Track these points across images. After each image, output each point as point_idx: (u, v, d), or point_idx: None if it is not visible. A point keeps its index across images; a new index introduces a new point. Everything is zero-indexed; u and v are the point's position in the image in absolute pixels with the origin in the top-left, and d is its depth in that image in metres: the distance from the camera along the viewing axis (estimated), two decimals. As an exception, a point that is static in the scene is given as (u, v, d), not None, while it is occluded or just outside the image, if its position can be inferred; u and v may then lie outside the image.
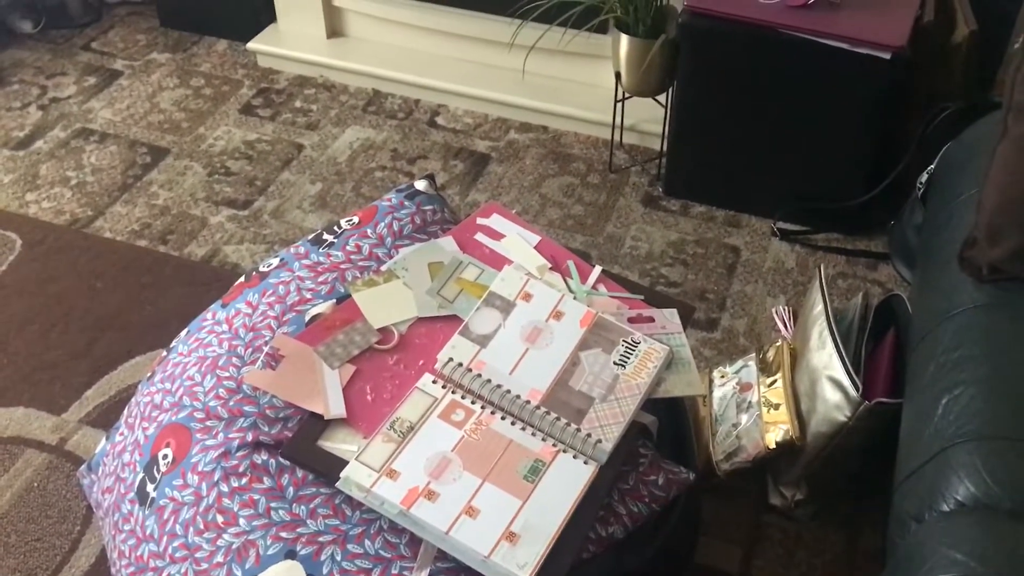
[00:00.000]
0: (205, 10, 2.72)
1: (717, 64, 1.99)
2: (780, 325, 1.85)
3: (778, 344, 1.63)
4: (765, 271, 2.03)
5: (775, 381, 1.59)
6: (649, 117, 2.30)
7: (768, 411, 1.57)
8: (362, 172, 2.29)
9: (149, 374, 1.42)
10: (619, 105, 2.23)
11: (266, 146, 2.37)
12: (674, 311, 1.38)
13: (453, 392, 1.23)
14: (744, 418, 1.57)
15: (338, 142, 2.39)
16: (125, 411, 1.42)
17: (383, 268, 1.40)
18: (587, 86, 2.43)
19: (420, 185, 1.56)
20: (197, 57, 2.69)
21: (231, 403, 1.26)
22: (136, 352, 1.82)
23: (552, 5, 2.06)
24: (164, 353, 1.44)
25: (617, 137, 2.34)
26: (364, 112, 2.48)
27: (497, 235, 1.46)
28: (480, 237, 1.45)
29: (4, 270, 2.00)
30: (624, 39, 2.06)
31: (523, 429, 1.20)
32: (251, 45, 2.63)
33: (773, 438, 1.51)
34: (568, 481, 1.15)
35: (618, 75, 2.16)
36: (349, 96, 2.54)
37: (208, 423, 1.26)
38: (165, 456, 1.26)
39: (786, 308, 1.87)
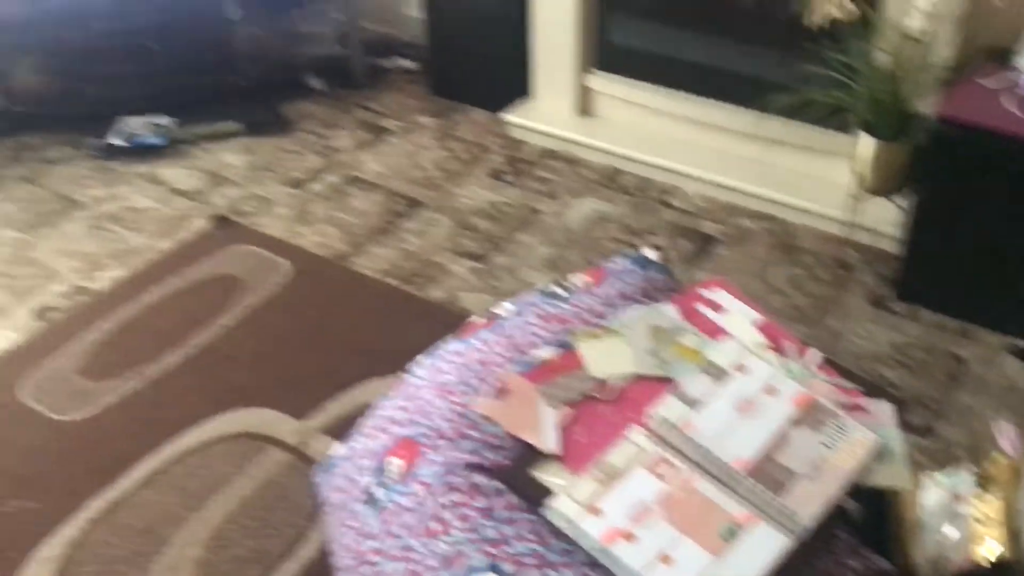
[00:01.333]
0: (469, 83, 2.99)
1: (967, 172, 1.97)
2: (1004, 442, 1.77)
3: (1000, 461, 1.58)
4: (993, 387, 1.96)
5: (993, 497, 1.53)
6: (885, 218, 2.29)
7: (982, 527, 1.51)
8: (592, 241, 2.43)
9: (389, 392, 1.59)
10: (855, 203, 2.25)
11: (508, 208, 2.56)
12: (889, 405, 1.39)
13: (660, 447, 1.30)
14: (953, 529, 1.53)
15: (574, 211, 2.54)
16: (363, 422, 1.59)
17: (607, 325, 1.50)
18: (823, 181, 2.45)
19: (649, 254, 1.66)
20: (457, 123, 2.95)
21: (458, 426, 1.40)
22: (374, 374, 2.02)
23: (796, 100, 2.13)
24: (403, 375, 1.60)
25: (850, 235, 2.34)
26: (601, 186, 2.63)
27: (719, 308, 1.52)
28: (702, 308, 1.53)
29: (274, 291, 2.28)
30: (867, 140, 2.09)
31: (725, 492, 1.25)
32: (506, 116, 2.86)
33: (986, 555, 1.46)
34: (763, 548, 1.19)
35: (857, 174, 2.18)
36: (590, 170, 2.70)
37: (436, 441, 1.39)
38: (395, 465, 1.41)
39: (1014, 427, 1.80)
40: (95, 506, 1.75)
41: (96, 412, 1.96)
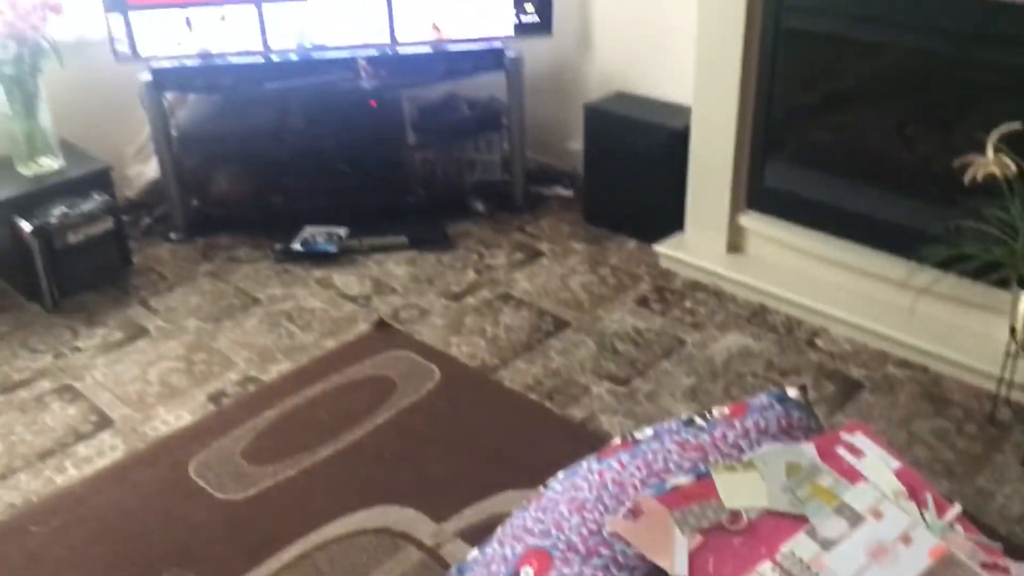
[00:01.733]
0: (622, 213, 3.13)
1: None
2: None
3: None
4: None
5: None
6: (1043, 377, 2.23)
7: None
8: (735, 375, 2.46)
9: (525, 503, 1.67)
10: (1010, 360, 2.20)
11: (652, 336, 2.63)
12: (1034, 569, 1.35)
13: (790, 584, 1.31)
14: None
15: (718, 344, 2.59)
16: (499, 529, 1.66)
17: (744, 458, 1.54)
18: (977, 334, 2.41)
19: (791, 392, 1.69)
20: (608, 251, 3.08)
21: (590, 542, 1.45)
22: (511, 485, 2.09)
23: (952, 254, 2.14)
24: (541, 489, 1.67)
25: (1003, 392, 2.28)
26: (747, 322, 2.67)
27: (858, 452, 1.53)
28: (841, 451, 1.54)
29: (423, 395, 2.41)
30: (1024, 296, 2.06)
31: (853, 638, 1.24)
32: (657, 247, 2.96)
33: None
34: None
35: (1013, 330, 2.14)
36: (736, 305, 2.75)
37: (568, 554, 1.45)
38: (526, 573, 1.47)
39: None
40: (245, 582, 1.88)
41: (254, 494, 2.11)
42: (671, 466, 1.56)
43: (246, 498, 2.10)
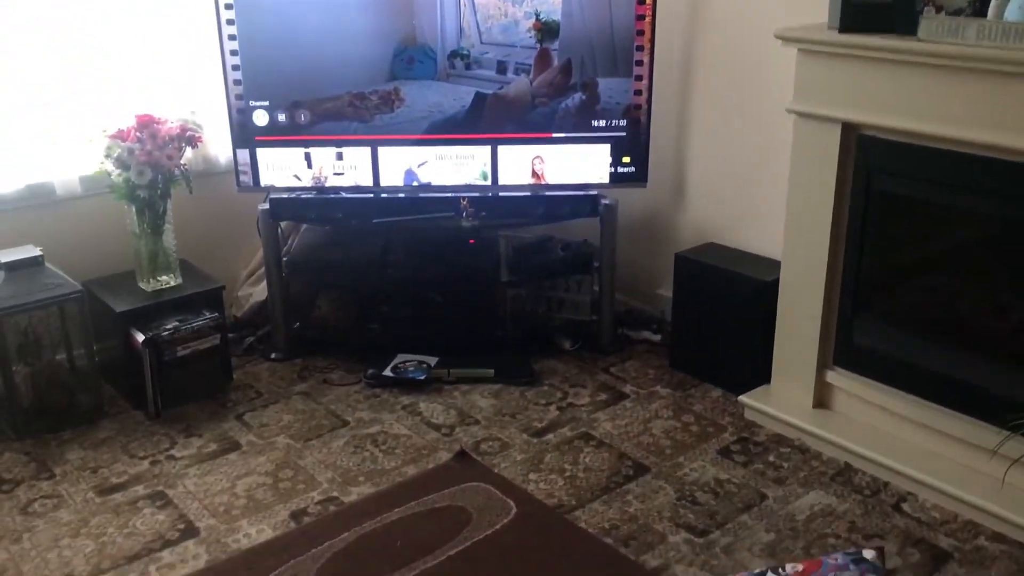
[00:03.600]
0: (709, 362, 3.15)
1: None
2: None
3: None
4: None
5: None
6: None
7: None
8: (816, 535, 2.40)
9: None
10: (1111, 541, 2.10)
11: (733, 488, 2.60)
12: None
13: None
14: None
15: (800, 501, 2.54)
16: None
17: (817, 620, 1.51)
18: (1077, 513, 2.31)
19: (867, 554, 1.66)
20: (692, 398, 3.09)
21: None
22: (578, 631, 2.07)
23: (1045, 424, 2.08)
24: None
25: (1105, 575, 2.16)
26: (831, 480, 2.62)
27: (938, 625, 1.48)
28: (920, 621, 1.49)
29: (498, 529, 2.42)
30: (1124, 474, 1.99)
31: None
32: (742, 398, 2.96)
33: None
34: None
35: (1113, 509, 2.05)
36: (820, 463, 2.71)
37: None
38: None
39: None
40: None
41: (324, 615, 2.14)
42: (741, 621, 1.54)
43: (317, 618, 2.13)
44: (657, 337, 3.49)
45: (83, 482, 2.65)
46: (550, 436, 2.89)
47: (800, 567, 1.65)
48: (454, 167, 3.21)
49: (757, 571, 1.67)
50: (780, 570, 1.67)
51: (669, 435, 2.88)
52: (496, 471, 2.69)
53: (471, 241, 3.28)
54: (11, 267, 2.84)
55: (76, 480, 2.66)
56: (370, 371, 3.22)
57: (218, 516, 2.50)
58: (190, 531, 2.44)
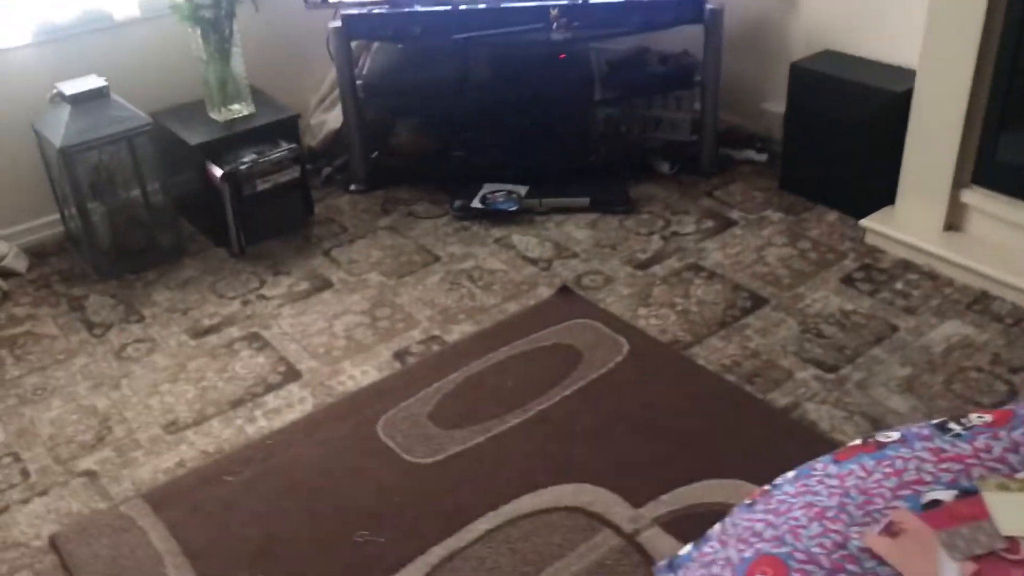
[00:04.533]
0: (823, 182, 2.90)
1: None
2: None
3: None
4: None
5: None
6: None
7: None
8: (956, 368, 2.23)
9: (748, 501, 1.53)
10: None
11: (860, 319, 2.42)
12: None
13: (1088, 633, 1.13)
14: None
15: (935, 332, 2.36)
16: (717, 527, 1.53)
17: (1018, 475, 1.35)
18: None
19: (1069, 403, 1.48)
20: (807, 222, 2.86)
21: (834, 556, 1.30)
22: (711, 475, 1.95)
23: None
24: (767, 488, 1.53)
25: None
26: (968, 309, 2.43)
27: None
28: None
29: (612, 368, 2.29)
30: None
31: None
32: (864, 222, 2.73)
33: None
34: None
35: None
36: (954, 290, 2.50)
37: (807, 567, 1.31)
38: (759, 582, 1.34)
39: None
40: (436, 552, 1.83)
41: (441, 459, 2.05)
42: (925, 476, 1.39)
43: (434, 463, 2.04)
44: (762, 157, 3.23)
45: (174, 324, 2.56)
46: (656, 268, 2.71)
47: (988, 417, 1.49)
48: (541, -27, 2.88)
49: (935, 420, 1.51)
50: (963, 420, 1.51)
51: (785, 263, 2.68)
52: (602, 307, 2.54)
53: (561, 56, 3.00)
54: (76, 99, 2.64)
55: (167, 323, 2.57)
56: (457, 203, 3.03)
57: (319, 358, 2.40)
58: (292, 374, 2.35)
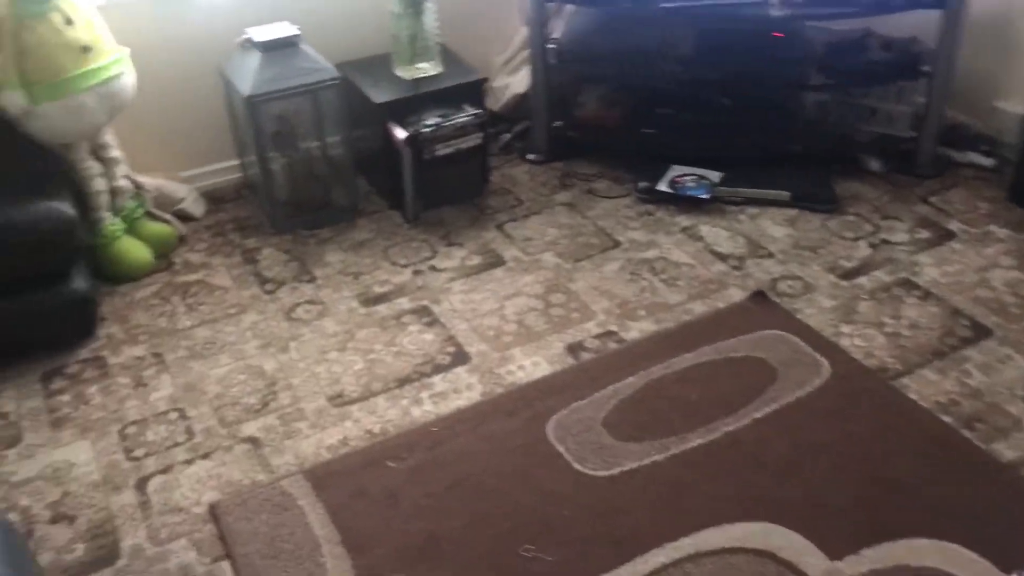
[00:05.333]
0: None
1: None
2: None
3: None
4: None
5: None
6: None
7: None
8: None
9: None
10: None
11: (1106, 366, 2.11)
12: None
13: None
14: None
15: None
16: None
17: None
18: None
19: None
20: (1042, 244, 2.53)
21: None
22: (919, 532, 1.72)
23: None
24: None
25: None
26: None
27: None
28: None
29: (810, 392, 2.07)
30: None
31: None
32: (1115, 251, 2.37)
33: None
34: None
35: None
36: None
37: None
38: None
39: None
40: (607, 581, 1.68)
41: (615, 473, 1.89)
42: None
43: (608, 477, 1.88)
44: (988, 162, 2.87)
45: (345, 288, 2.49)
46: (862, 279, 2.44)
47: None
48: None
49: None
50: None
51: (1014, 290, 2.36)
52: (800, 318, 2.30)
53: (776, 34, 2.72)
54: (267, 47, 2.58)
55: (338, 286, 2.50)
56: (642, 184, 2.83)
57: (489, 341, 2.28)
58: (461, 356, 2.23)
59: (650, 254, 2.58)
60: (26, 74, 2.21)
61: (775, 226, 2.66)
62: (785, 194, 2.74)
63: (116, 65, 2.36)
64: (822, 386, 2.09)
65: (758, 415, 2.02)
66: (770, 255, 2.55)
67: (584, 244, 2.63)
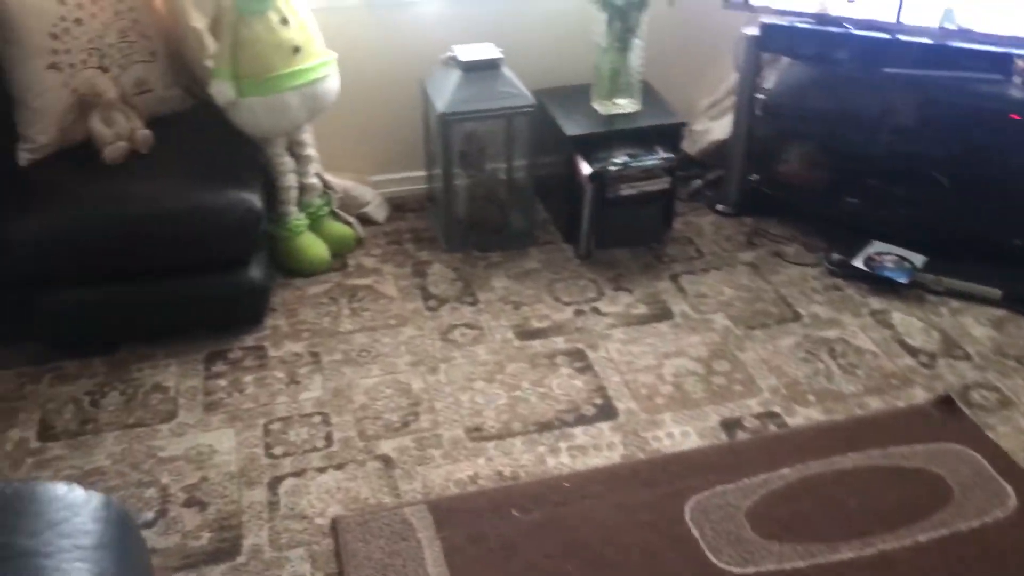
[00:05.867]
0: None
1: None
2: None
3: None
4: None
5: None
6: None
7: None
8: None
9: None
10: None
11: None
12: None
13: None
14: None
15: None
16: None
17: None
18: None
19: None
20: None
21: None
22: None
23: None
24: None
25: None
26: None
27: None
28: None
29: (989, 523, 1.83)
30: None
31: None
32: None
33: None
34: None
35: None
36: None
37: None
38: None
39: None
40: None
41: (749, 572, 1.74)
42: None
43: (741, 575, 1.74)
44: None
45: (504, 317, 2.45)
46: (1072, 403, 2.16)
47: None
48: (1008, 10, 2.36)
49: None
50: None
51: None
52: (991, 435, 2.06)
53: (1014, 116, 2.46)
54: (469, 67, 2.58)
55: (497, 313, 2.47)
56: (835, 256, 2.63)
57: (639, 400, 2.17)
58: (607, 411, 2.14)
59: (831, 334, 2.39)
60: (237, 67, 2.30)
61: (978, 326, 2.41)
62: (996, 292, 2.47)
63: (323, 68, 2.43)
64: (1005, 520, 1.85)
65: (922, 538, 1.81)
66: (967, 357, 2.30)
67: (761, 311, 2.48)
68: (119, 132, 2.31)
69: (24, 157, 2.30)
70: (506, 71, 2.62)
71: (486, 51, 2.62)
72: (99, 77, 2.32)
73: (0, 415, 2.12)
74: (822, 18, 2.57)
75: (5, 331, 2.31)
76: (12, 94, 2.27)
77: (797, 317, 2.45)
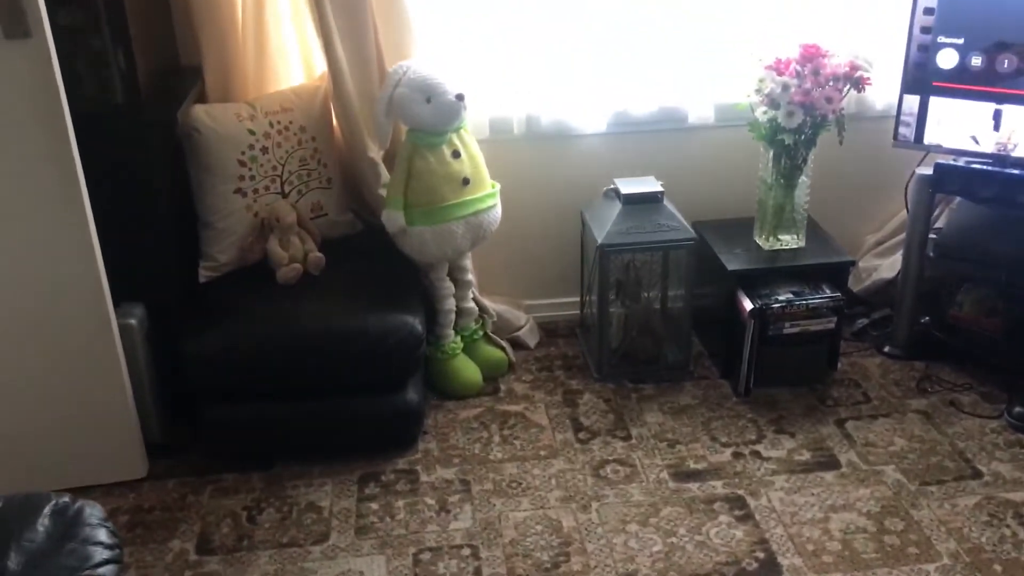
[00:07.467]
0: None
1: None
2: None
3: None
4: None
5: None
6: None
7: None
8: None
9: None
10: None
11: None
12: None
13: None
14: None
15: None
16: None
17: None
18: None
19: None
20: None
21: None
22: None
23: None
24: None
25: None
26: None
27: None
28: None
29: None
30: None
31: None
32: None
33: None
34: None
35: None
36: None
37: None
38: None
39: None
40: None
41: None
42: None
43: None
44: None
45: (658, 455, 2.37)
46: None
47: None
48: None
49: None
50: None
51: None
52: None
53: None
54: (629, 200, 2.58)
55: (651, 451, 2.39)
56: (1018, 409, 2.45)
57: (805, 556, 2.03)
58: (770, 566, 2.01)
59: (1017, 496, 2.20)
60: (409, 196, 2.38)
61: None
62: None
63: (489, 199, 2.48)
64: None
65: None
66: None
67: (936, 465, 2.31)
68: (294, 254, 2.41)
69: (204, 275, 2.43)
70: (667, 204, 2.61)
71: (647, 184, 2.62)
72: (281, 202, 2.44)
73: (163, 525, 2.18)
74: (1002, 159, 2.47)
75: (172, 442, 2.40)
76: (199, 215, 2.42)
77: (977, 475, 2.27)
